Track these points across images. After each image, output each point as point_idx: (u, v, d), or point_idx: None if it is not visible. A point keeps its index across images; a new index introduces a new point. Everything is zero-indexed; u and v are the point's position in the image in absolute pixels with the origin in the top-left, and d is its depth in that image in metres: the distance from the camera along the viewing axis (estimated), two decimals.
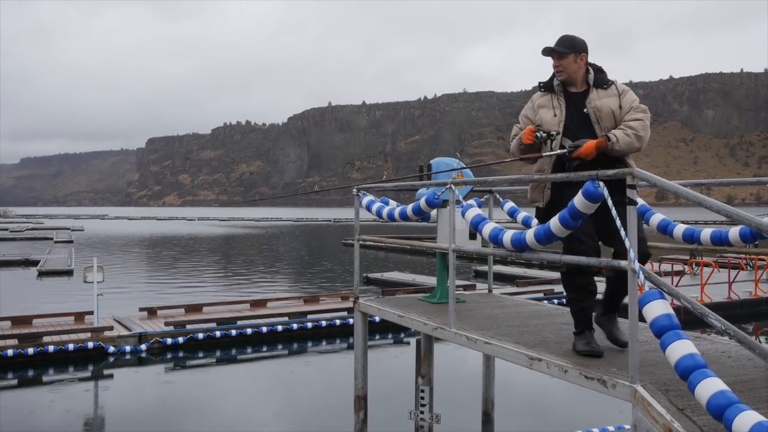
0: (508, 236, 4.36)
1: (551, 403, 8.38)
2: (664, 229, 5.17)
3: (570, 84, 4.19)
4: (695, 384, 2.73)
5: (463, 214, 4.95)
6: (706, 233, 4.99)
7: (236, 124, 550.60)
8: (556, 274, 19.23)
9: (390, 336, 12.50)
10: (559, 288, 16.10)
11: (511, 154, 4.46)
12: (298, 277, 24.35)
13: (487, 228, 4.60)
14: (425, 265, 27.01)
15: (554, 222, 3.91)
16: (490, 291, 7.09)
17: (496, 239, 4.49)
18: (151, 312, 12.95)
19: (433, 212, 6.38)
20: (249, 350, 11.64)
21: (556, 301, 14.08)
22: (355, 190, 6.57)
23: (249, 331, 11.88)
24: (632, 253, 3.29)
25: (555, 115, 4.16)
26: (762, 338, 13.08)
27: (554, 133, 4.04)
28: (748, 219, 2.72)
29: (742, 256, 16.68)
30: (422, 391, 5.99)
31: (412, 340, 10.82)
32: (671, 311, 3.02)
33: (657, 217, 5.20)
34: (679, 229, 5.05)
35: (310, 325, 12.38)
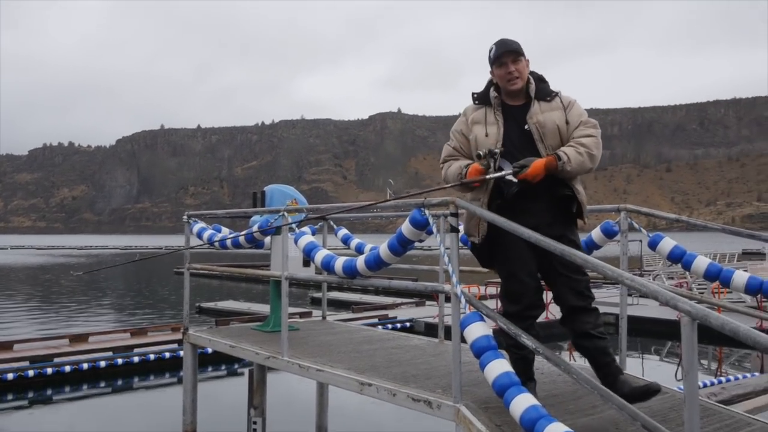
0: (339, 263, 4.42)
1: (384, 428, 8.52)
2: None
3: (509, 96, 3.63)
4: (510, 401, 2.91)
5: (296, 242, 4.96)
6: None
7: (57, 145, 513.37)
8: (391, 299, 19.72)
9: (224, 367, 12.12)
10: (393, 313, 16.51)
11: (444, 180, 3.83)
12: (125, 308, 22.98)
13: (320, 255, 4.63)
14: (262, 293, 26.59)
15: (383, 248, 4.03)
16: (324, 318, 7.12)
17: (328, 266, 4.53)
18: None
19: (267, 239, 6.34)
20: (67, 389, 10.76)
21: (390, 326, 14.40)
22: (185, 217, 6.37)
23: (68, 368, 10.98)
24: (455, 278, 3.47)
25: (487, 135, 3.57)
26: (576, 354, 14.19)
27: (495, 151, 3.44)
28: (552, 246, 2.96)
29: None
30: (254, 423, 5.88)
31: (247, 371, 10.58)
32: (489, 332, 3.20)
33: None
34: None
35: (136, 359, 11.68)
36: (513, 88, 3.57)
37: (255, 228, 5.84)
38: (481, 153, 3.43)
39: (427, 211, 3.70)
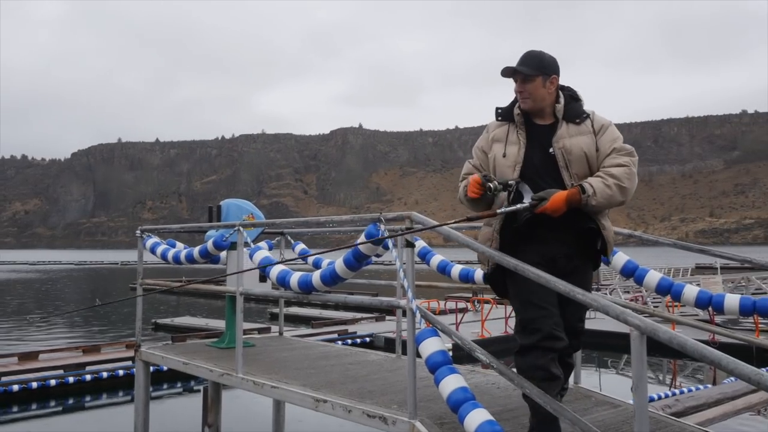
0: (295, 278, 4.37)
1: None
2: (443, 270, 5.52)
3: (535, 114, 3.28)
4: (464, 416, 2.89)
5: (251, 257, 4.89)
6: (479, 273, 5.40)
7: (10, 158, 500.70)
8: (352, 314, 19.64)
9: (179, 385, 11.87)
10: (353, 328, 16.43)
11: (458, 201, 3.43)
12: (78, 325, 22.43)
13: (275, 270, 4.58)
14: (221, 308, 26.20)
15: (339, 264, 4.00)
16: (281, 334, 7.04)
17: (283, 281, 4.48)
18: None
19: (223, 254, 6.25)
20: (15, 409, 10.42)
21: (349, 341, 14.32)
22: (138, 231, 6.25)
23: (16, 387, 10.63)
24: (410, 293, 3.45)
25: (505, 155, 3.23)
26: None
27: (511, 183, 3.12)
28: (505, 261, 2.97)
29: None
30: None
31: (202, 388, 10.38)
32: (444, 348, 3.19)
33: (437, 258, 5.54)
34: (456, 269, 5.42)
35: (89, 377, 11.38)
36: (523, 108, 3.25)
37: (210, 243, 5.76)
38: (491, 186, 3.04)
39: (382, 226, 3.69)
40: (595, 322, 15.89)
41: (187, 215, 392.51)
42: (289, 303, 22.58)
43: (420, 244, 5.66)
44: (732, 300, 4.27)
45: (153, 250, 6.19)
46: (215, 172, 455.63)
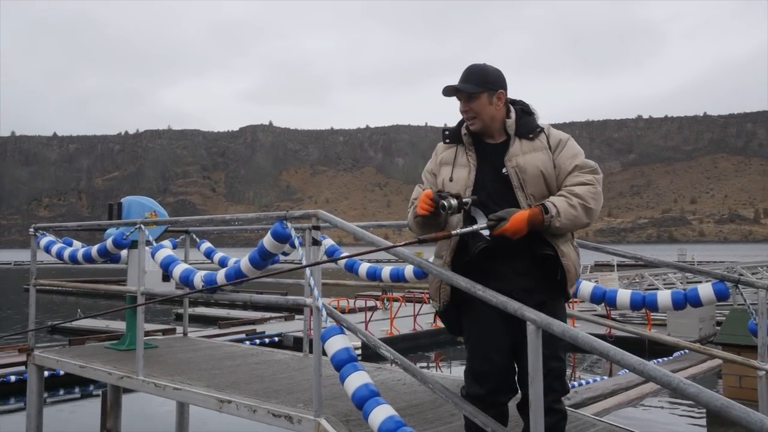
0: (199, 277, 4.28)
1: None
2: (351, 268, 5.54)
3: (485, 133, 3.00)
4: (369, 412, 2.92)
5: (153, 255, 4.75)
6: (386, 271, 5.45)
7: None
8: (259, 314, 19.37)
9: (77, 389, 11.38)
10: (262, 328, 16.23)
11: (408, 228, 3.09)
12: None
13: (178, 269, 4.46)
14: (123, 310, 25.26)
15: (244, 262, 3.94)
16: (185, 334, 6.87)
17: (187, 281, 4.38)
18: None
19: (124, 253, 6.04)
20: None
21: (258, 341, 14.14)
22: (32, 229, 5.94)
23: None
24: (317, 291, 3.45)
25: (452, 179, 2.96)
26: (443, 364, 14.56)
27: (467, 200, 2.80)
28: (410, 259, 3.02)
29: (425, 290, 18.51)
30: None
31: (102, 392, 9.99)
32: (349, 345, 3.21)
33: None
34: (364, 268, 5.45)
35: None
36: (472, 129, 2.98)
37: (109, 241, 5.54)
38: (446, 204, 2.70)
39: (289, 224, 3.66)
40: None
41: (87, 213, 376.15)
42: (195, 303, 22.02)
43: (328, 242, 5.66)
44: (623, 295, 4.51)
45: (48, 249, 5.90)
46: (118, 168, 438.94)
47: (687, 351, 10.76)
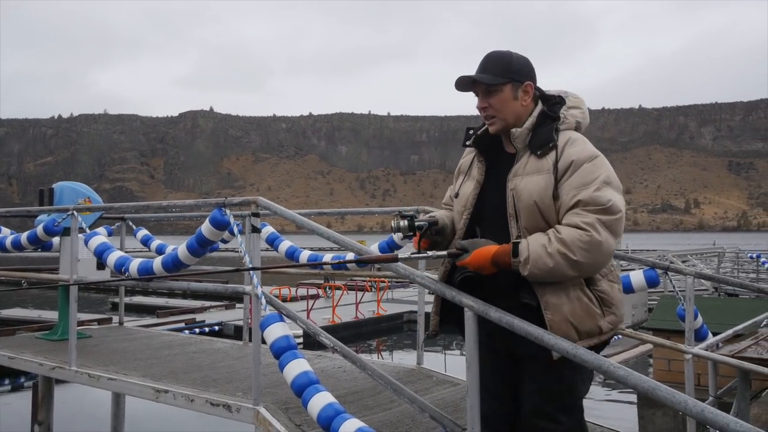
0: (134, 265, 4.18)
1: None
2: (291, 255, 5.50)
3: (505, 137, 2.45)
4: (308, 400, 2.91)
5: (86, 243, 4.61)
6: (327, 258, 5.44)
7: None
8: (199, 303, 19.07)
9: (7, 382, 11.00)
10: (202, 316, 15.99)
11: None
12: None
13: (113, 257, 4.35)
14: (56, 299, 24.51)
15: (182, 249, 3.87)
16: (121, 324, 6.72)
17: (121, 269, 4.27)
18: None
19: (56, 241, 5.85)
20: None
21: (197, 330, 13.93)
22: None
23: None
24: (255, 279, 3.41)
25: (458, 195, 2.53)
26: (384, 352, 14.65)
27: (422, 224, 2.43)
28: (350, 245, 3.02)
29: (367, 278, 18.59)
30: None
31: (33, 384, 9.67)
32: (289, 333, 3.19)
33: (285, 245, 5.52)
34: (305, 255, 5.42)
35: None
36: (492, 131, 2.43)
37: (39, 228, 5.35)
38: (393, 225, 2.39)
39: (228, 211, 3.61)
40: None
41: (18, 200, 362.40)
42: (133, 292, 21.54)
43: (269, 230, 5.60)
44: None
45: None
46: (51, 153, 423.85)
47: (620, 337, 11.11)
